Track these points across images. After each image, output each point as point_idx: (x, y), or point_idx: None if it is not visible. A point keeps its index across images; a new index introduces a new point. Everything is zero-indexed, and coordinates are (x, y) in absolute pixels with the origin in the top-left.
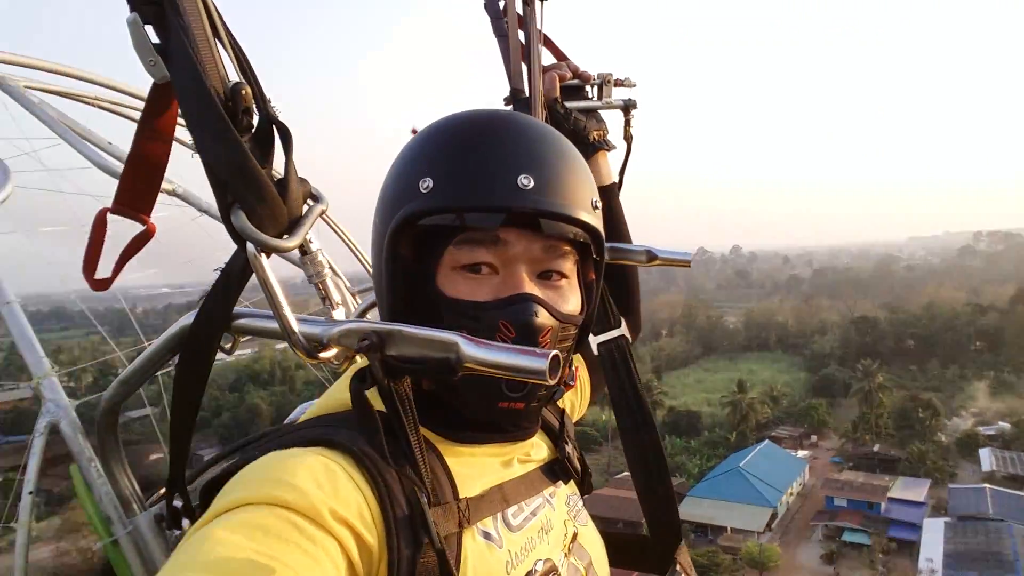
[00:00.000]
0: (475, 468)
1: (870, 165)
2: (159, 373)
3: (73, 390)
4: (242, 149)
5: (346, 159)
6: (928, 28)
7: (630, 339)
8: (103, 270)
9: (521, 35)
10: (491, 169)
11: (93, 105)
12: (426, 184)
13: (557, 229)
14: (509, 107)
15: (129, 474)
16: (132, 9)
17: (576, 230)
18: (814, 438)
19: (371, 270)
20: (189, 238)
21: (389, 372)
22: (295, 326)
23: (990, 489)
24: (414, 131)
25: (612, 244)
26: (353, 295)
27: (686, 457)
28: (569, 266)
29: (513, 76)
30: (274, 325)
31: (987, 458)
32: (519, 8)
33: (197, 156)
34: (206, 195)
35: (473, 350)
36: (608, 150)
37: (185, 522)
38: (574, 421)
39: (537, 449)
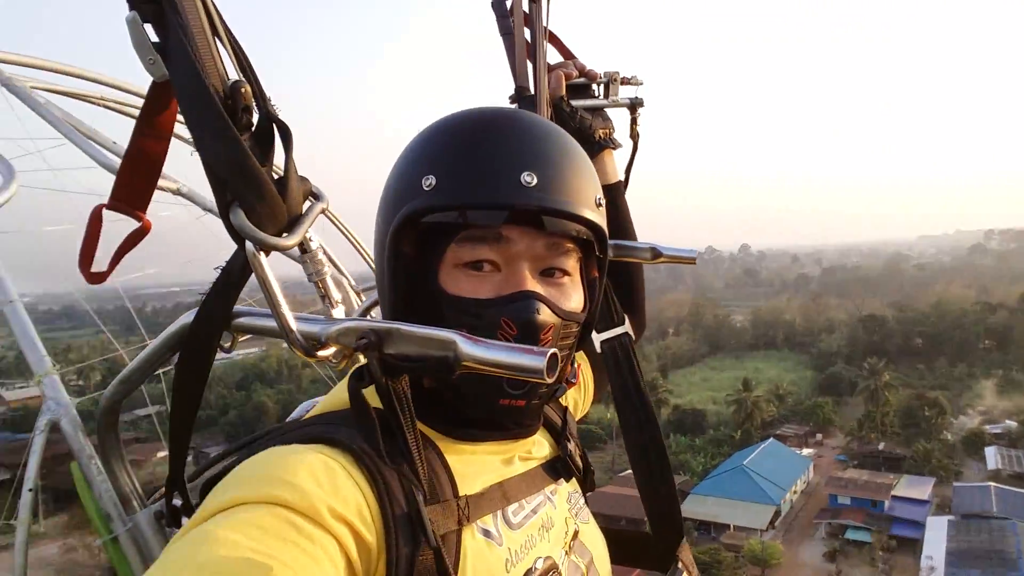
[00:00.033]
0: (475, 466)
1: (882, 163)
2: (161, 372)
3: (82, 388)
4: (241, 147)
5: (346, 158)
6: (940, 23)
7: (633, 336)
8: (109, 267)
9: (527, 33)
10: (494, 166)
11: (99, 105)
12: (429, 181)
13: (560, 226)
14: (514, 105)
15: (129, 471)
16: (131, 7)
17: (579, 227)
18: (819, 436)
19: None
20: (194, 237)
21: (387, 370)
22: (293, 325)
23: (994, 487)
24: None
25: (616, 241)
26: (358, 293)
27: (690, 455)
28: (572, 263)
29: (519, 74)
30: (273, 324)
31: (993, 456)
32: (525, 6)
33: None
34: (210, 194)
35: (471, 348)
36: (614, 148)
37: (185, 520)
38: (577, 419)
39: (539, 447)
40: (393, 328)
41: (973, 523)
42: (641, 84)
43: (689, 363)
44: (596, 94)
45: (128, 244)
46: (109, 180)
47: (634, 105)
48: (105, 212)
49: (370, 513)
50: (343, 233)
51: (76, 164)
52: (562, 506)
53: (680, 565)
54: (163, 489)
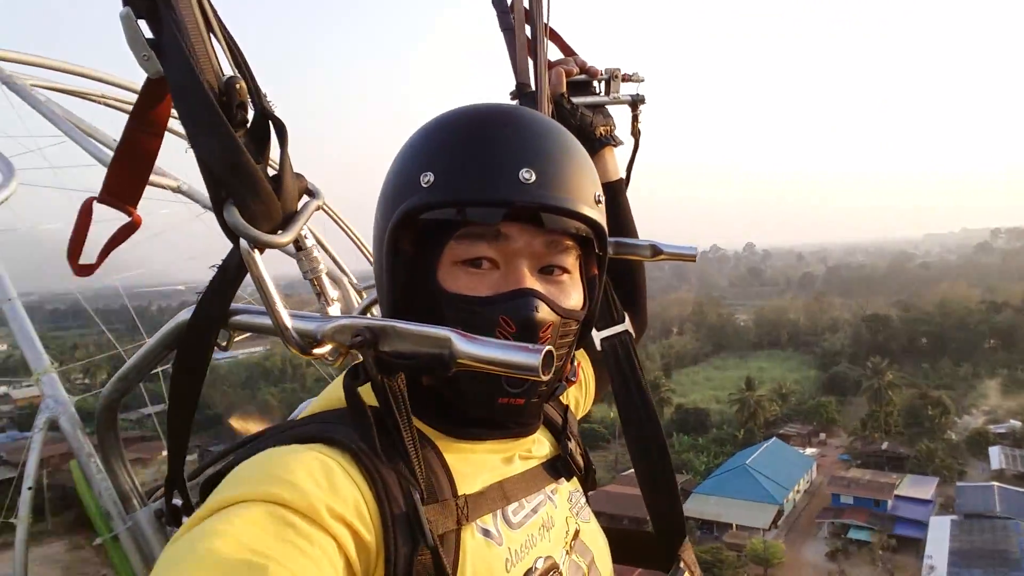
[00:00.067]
0: (475, 465)
1: (888, 160)
2: (160, 370)
3: (88, 387)
4: (236, 144)
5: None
6: (950, 19)
7: (634, 335)
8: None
9: (528, 29)
10: (492, 163)
11: (99, 103)
12: (427, 178)
13: (559, 223)
14: (515, 101)
15: (129, 470)
16: (125, 3)
17: (578, 224)
18: (822, 436)
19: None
20: (198, 234)
21: (383, 368)
22: (288, 322)
23: (998, 487)
24: None
25: (616, 239)
26: (359, 292)
27: (693, 454)
28: (571, 261)
29: (519, 71)
30: (269, 321)
31: (997, 456)
32: (525, 2)
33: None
34: None
35: (466, 346)
36: (615, 146)
37: (185, 519)
38: (579, 417)
39: (539, 446)
40: (388, 325)
41: (976, 523)
42: (642, 81)
43: (693, 362)
44: (597, 91)
45: (118, 238)
46: None
47: (635, 102)
48: (96, 206)
49: (368, 513)
50: (343, 230)
51: (76, 162)
52: (563, 505)
53: (682, 564)
54: (163, 488)
